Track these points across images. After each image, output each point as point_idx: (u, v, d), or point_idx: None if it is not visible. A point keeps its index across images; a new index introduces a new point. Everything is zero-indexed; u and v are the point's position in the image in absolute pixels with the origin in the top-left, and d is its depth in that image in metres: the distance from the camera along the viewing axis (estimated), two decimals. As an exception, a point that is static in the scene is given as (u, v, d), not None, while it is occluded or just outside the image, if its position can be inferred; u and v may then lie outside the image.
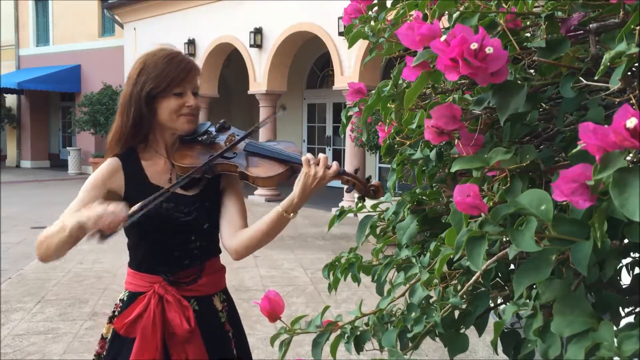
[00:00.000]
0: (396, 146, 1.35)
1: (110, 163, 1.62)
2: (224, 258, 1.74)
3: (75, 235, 1.44)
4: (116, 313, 1.65)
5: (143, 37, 13.99)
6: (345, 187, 1.55)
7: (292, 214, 1.51)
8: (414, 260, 1.18)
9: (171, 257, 1.62)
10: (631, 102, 0.74)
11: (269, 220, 1.52)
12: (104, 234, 1.39)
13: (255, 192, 11.60)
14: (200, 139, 1.64)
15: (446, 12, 0.97)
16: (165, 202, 1.58)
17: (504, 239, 0.86)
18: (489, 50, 0.77)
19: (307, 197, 1.49)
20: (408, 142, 1.27)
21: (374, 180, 1.55)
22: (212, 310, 1.67)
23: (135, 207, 1.43)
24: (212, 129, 1.67)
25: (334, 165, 1.49)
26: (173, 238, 1.61)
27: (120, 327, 1.58)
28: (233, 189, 1.68)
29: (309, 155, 1.49)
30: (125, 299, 1.66)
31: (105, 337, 1.66)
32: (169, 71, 1.55)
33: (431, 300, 1.07)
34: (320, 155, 1.49)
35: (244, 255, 1.59)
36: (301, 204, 1.49)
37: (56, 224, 1.49)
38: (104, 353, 1.65)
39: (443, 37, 0.79)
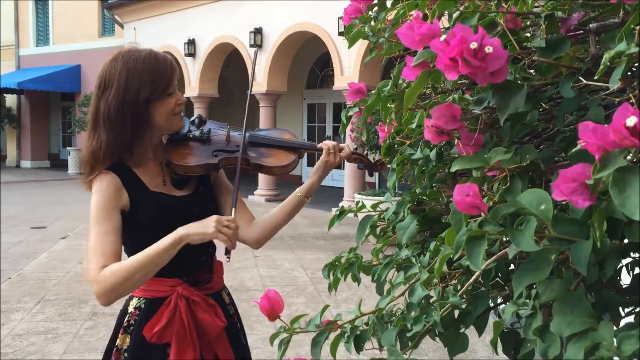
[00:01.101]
0: (396, 146, 1.35)
1: (109, 181, 1.49)
2: (221, 257, 1.75)
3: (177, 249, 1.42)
4: (132, 322, 1.57)
5: (143, 37, 13.98)
6: (357, 165, 1.75)
7: (309, 198, 1.68)
8: (413, 260, 1.18)
9: (192, 257, 1.60)
10: (631, 101, 0.74)
11: (290, 206, 1.66)
12: (229, 250, 1.46)
13: (255, 192, 11.61)
14: (191, 135, 1.63)
15: (446, 12, 0.97)
16: (174, 206, 1.57)
17: (504, 239, 0.86)
18: (488, 49, 0.77)
19: (322, 181, 1.68)
20: (408, 142, 1.27)
21: (379, 155, 1.68)
22: (224, 306, 1.68)
23: (233, 210, 1.53)
24: (192, 125, 1.67)
25: (345, 148, 1.68)
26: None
27: (151, 336, 1.51)
28: (222, 182, 1.73)
29: (330, 143, 1.65)
30: (143, 306, 1.58)
31: (121, 349, 1.58)
32: (162, 72, 1.49)
33: (431, 300, 1.07)
34: (334, 143, 1.66)
35: (264, 242, 1.70)
36: (318, 187, 1.68)
37: (129, 263, 1.39)
38: None
39: (443, 37, 0.79)
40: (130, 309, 1.60)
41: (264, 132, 1.75)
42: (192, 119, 1.69)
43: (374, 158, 1.74)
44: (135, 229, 1.52)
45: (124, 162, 1.54)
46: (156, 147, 1.61)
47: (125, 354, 1.57)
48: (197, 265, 1.62)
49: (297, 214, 1.68)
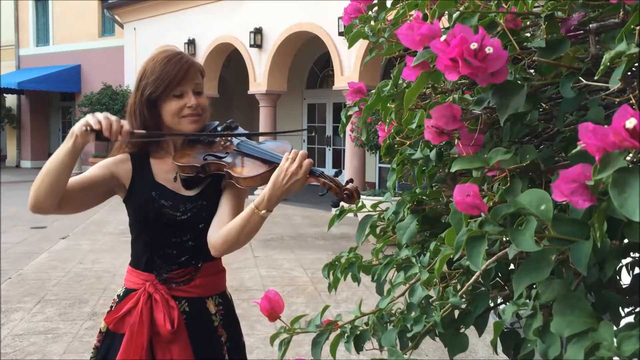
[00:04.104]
0: (396, 146, 1.34)
1: (119, 156, 1.67)
2: (225, 259, 1.74)
3: (75, 146, 1.45)
4: (112, 308, 1.68)
5: (143, 37, 13.98)
6: (320, 191, 1.46)
7: (263, 211, 1.44)
8: (413, 260, 1.18)
9: (166, 255, 1.63)
10: (631, 102, 0.74)
11: (242, 216, 1.47)
12: (101, 135, 1.42)
13: (255, 192, 11.60)
14: (201, 138, 1.64)
15: (446, 12, 0.97)
16: (164, 200, 1.61)
17: (504, 239, 0.86)
18: (488, 50, 0.77)
19: (278, 193, 1.42)
20: (408, 142, 1.27)
21: (351, 185, 1.46)
22: (204, 313, 1.66)
23: (141, 132, 1.50)
24: (219, 129, 1.66)
25: (306, 162, 1.42)
26: (168, 236, 1.62)
27: (110, 322, 1.63)
28: (232, 190, 1.62)
29: (292, 153, 1.44)
30: (121, 294, 1.69)
31: (103, 332, 1.69)
32: (166, 73, 1.56)
33: (431, 300, 1.07)
34: (299, 152, 1.44)
35: (222, 251, 1.53)
36: (273, 200, 1.43)
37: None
38: (100, 346, 1.69)
39: (443, 37, 0.79)
40: (115, 295, 1.73)
41: (265, 144, 1.64)
42: (225, 123, 1.68)
43: (349, 180, 1.47)
44: (130, 207, 1.66)
45: (147, 151, 1.68)
46: (179, 147, 1.68)
47: (103, 337, 1.69)
48: (173, 264, 1.63)
49: (256, 226, 1.46)
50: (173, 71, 1.56)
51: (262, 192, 1.45)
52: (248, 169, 1.54)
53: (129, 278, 1.68)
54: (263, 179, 1.51)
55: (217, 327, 1.68)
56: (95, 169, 1.63)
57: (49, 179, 1.47)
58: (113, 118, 1.44)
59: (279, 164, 1.46)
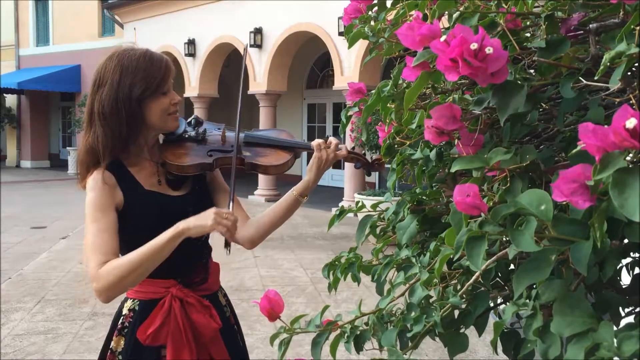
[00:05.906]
0: (396, 146, 1.35)
1: (104, 179, 1.48)
2: (221, 257, 1.74)
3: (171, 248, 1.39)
4: (127, 324, 1.58)
5: (143, 37, 13.97)
6: (354, 164, 1.72)
7: (305, 197, 1.62)
8: (413, 260, 1.18)
9: (186, 258, 1.58)
10: (631, 102, 0.74)
11: (285, 205, 1.62)
12: (228, 241, 1.48)
13: (255, 193, 11.60)
14: (186, 135, 1.63)
15: (446, 12, 0.97)
16: (167, 205, 1.56)
17: (504, 239, 0.86)
18: (488, 50, 0.77)
19: (319, 178, 1.63)
20: (408, 142, 1.27)
21: (378, 155, 1.69)
22: (219, 307, 1.68)
23: (231, 203, 1.50)
24: (188, 126, 1.65)
25: (343, 147, 1.64)
26: (186, 239, 1.53)
27: (145, 338, 1.50)
28: (218, 182, 1.72)
29: (320, 140, 1.61)
30: (137, 308, 1.58)
31: (115, 351, 1.57)
32: (156, 70, 1.49)
33: (431, 300, 1.07)
34: (331, 139, 1.62)
35: (258, 243, 1.66)
36: (314, 186, 1.63)
37: (127, 259, 1.37)
38: None
39: (443, 38, 0.79)
40: (125, 310, 1.60)
41: (261, 132, 1.74)
42: (188, 119, 1.67)
43: (371, 157, 1.73)
44: (129, 227, 1.51)
45: (120, 160, 1.54)
46: (152, 147, 1.61)
47: (120, 357, 1.56)
48: (192, 266, 1.61)
49: (293, 213, 1.64)
50: (161, 68, 1.50)
51: (304, 181, 1.62)
52: (272, 157, 1.65)
53: (142, 289, 1.56)
54: (288, 165, 1.66)
55: (229, 317, 1.72)
56: (107, 218, 1.46)
57: (147, 268, 1.39)
58: (232, 218, 1.40)
59: (299, 148, 1.68)
